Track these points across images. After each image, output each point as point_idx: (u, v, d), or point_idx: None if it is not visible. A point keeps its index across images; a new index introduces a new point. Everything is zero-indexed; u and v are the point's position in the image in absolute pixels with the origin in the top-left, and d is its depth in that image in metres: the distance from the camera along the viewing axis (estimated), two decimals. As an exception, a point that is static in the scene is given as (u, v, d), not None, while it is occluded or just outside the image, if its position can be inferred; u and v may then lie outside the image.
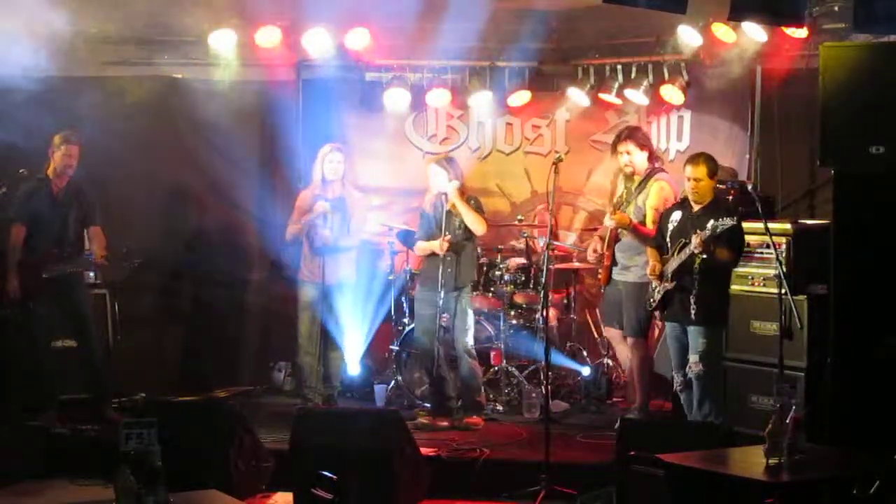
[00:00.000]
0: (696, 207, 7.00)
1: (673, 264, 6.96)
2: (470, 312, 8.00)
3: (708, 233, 6.68)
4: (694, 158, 7.10)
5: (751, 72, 8.83)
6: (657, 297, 7.09)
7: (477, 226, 7.78)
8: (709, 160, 7.03)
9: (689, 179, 7.00)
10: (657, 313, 7.43)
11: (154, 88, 8.84)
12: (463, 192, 7.88)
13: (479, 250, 8.58)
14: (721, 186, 7.33)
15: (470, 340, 7.96)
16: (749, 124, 8.97)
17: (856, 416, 6.32)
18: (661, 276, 7.06)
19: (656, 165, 7.73)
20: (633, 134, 7.76)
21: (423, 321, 7.96)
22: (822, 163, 6.75)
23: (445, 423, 7.83)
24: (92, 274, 8.25)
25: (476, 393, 7.96)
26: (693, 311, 6.87)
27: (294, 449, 6.40)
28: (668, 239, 7.10)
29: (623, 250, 7.68)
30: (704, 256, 6.76)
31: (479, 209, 7.88)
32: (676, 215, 7.11)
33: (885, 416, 6.23)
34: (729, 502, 4.84)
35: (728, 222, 6.62)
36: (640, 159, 7.66)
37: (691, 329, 6.92)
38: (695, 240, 6.74)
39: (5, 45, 8.13)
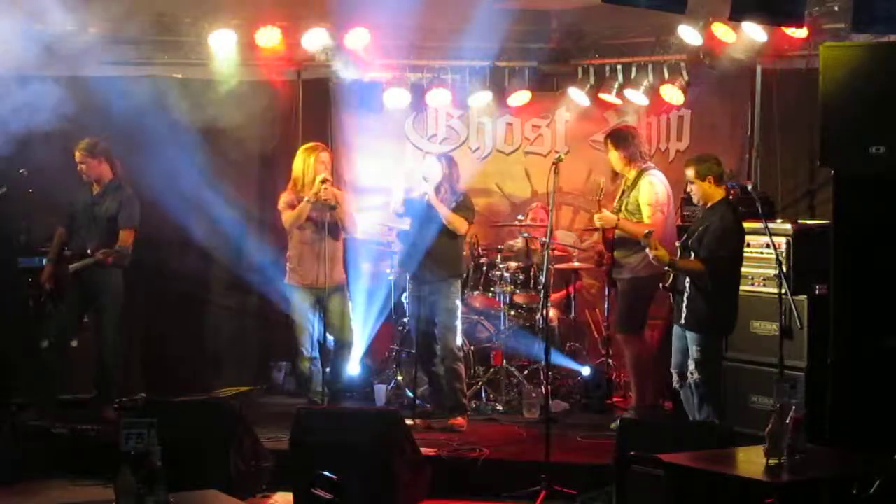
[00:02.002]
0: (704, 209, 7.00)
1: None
2: (457, 311, 7.99)
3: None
4: (687, 161, 7.16)
5: (751, 72, 8.84)
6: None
7: (455, 225, 7.82)
8: (699, 162, 6.98)
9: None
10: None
11: (154, 88, 8.84)
12: (454, 190, 7.95)
13: (478, 246, 8.65)
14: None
15: (457, 341, 7.94)
16: (749, 124, 8.97)
17: (856, 416, 6.32)
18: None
19: (643, 165, 7.74)
20: (612, 133, 7.95)
21: (412, 317, 8.04)
22: (822, 163, 6.76)
23: (423, 423, 7.81)
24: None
25: (458, 395, 7.89)
26: (684, 315, 6.85)
27: (294, 449, 6.40)
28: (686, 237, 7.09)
29: (618, 249, 7.69)
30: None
31: (465, 207, 7.90)
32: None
33: (885, 416, 6.23)
34: (729, 502, 4.83)
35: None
36: (613, 157, 7.77)
37: (687, 334, 6.90)
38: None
39: (5, 45, 8.15)
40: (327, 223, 7.80)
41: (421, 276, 7.90)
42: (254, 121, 9.22)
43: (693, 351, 6.81)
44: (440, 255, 7.86)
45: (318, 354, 7.97)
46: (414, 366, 8.10)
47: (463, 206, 7.92)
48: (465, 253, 8.40)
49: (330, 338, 8.06)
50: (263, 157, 9.62)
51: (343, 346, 8.07)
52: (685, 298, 6.82)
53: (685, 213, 7.98)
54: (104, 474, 5.70)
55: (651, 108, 9.19)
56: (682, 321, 6.85)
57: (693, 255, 6.77)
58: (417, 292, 7.95)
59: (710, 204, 6.91)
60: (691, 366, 6.82)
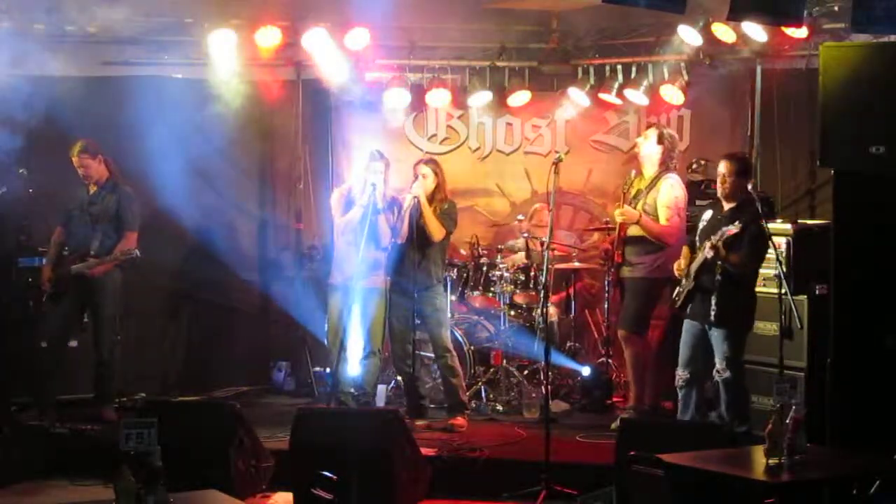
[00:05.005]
0: (725, 208, 6.95)
1: (694, 264, 6.92)
2: (446, 308, 8.03)
3: (716, 238, 6.69)
4: (727, 155, 7.12)
5: (751, 72, 8.85)
6: (681, 296, 7.04)
7: (433, 230, 7.79)
8: (741, 160, 7.03)
9: (718, 175, 6.98)
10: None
11: (154, 88, 8.84)
12: (444, 197, 7.92)
13: (478, 246, 8.69)
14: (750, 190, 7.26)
15: (447, 337, 7.95)
16: (749, 124, 8.97)
17: (856, 416, 6.31)
18: (687, 275, 7.03)
19: (669, 167, 7.70)
20: (659, 128, 7.85)
21: (392, 321, 7.97)
22: (822, 163, 6.74)
23: (423, 423, 7.82)
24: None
25: (457, 393, 7.90)
26: (713, 313, 6.80)
27: (294, 449, 6.40)
28: (697, 237, 7.05)
29: (632, 247, 7.67)
30: (718, 261, 6.75)
31: (448, 217, 7.89)
32: (707, 214, 7.08)
33: (885, 416, 6.22)
34: (729, 502, 4.84)
35: (732, 229, 6.62)
36: (652, 151, 7.66)
37: (714, 332, 6.85)
38: (706, 244, 6.75)
39: (5, 44, 8.16)
40: (367, 228, 7.66)
41: (402, 282, 7.89)
42: (254, 121, 9.23)
43: (725, 348, 6.78)
44: (421, 262, 7.82)
45: (347, 356, 7.85)
46: (413, 366, 8.07)
47: (446, 215, 7.90)
48: (447, 257, 8.31)
49: (361, 340, 7.94)
50: (263, 157, 9.63)
51: (373, 353, 7.97)
52: (714, 297, 6.80)
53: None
54: (104, 474, 5.70)
55: (651, 108, 9.18)
56: (713, 318, 6.82)
57: (728, 252, 6.73)
58: (399, 298, 7.92)
59: (734, 203, 6.88)
60: (721, 364, 6.78)
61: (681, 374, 7.05)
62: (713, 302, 6.81)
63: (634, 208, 7.62)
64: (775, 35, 7.98)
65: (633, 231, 7.62)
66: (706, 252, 6.77)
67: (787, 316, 6.92)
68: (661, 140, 7.66)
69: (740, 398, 6.85)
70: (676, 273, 7.07)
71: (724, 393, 6.84)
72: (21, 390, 8.05)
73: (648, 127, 8.07)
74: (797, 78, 8.47)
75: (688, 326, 7.06)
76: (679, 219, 7.57)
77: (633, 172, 7.88)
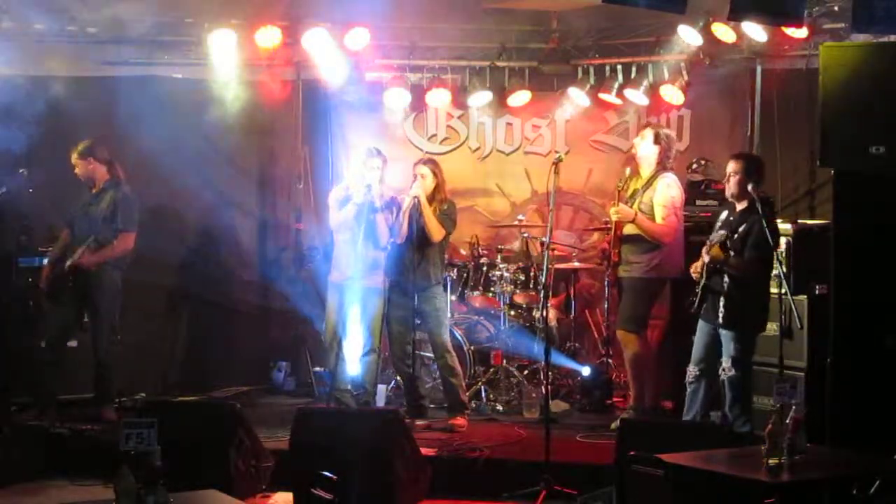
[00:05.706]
0: (737, 208, 6.92)
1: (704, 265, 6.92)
2: (445, 309, 8.02)
3: (710, 243, 6.69)
4: (736, 154, 7.15)
5: (751, 72, 8.85)
6: (697, 296, 7.00)
7: (432, 231, 7.77)
8: (748, 158, 7.02)
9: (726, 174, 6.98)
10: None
11: (154, 88, 8.84)
12: (444, 198, 7.91)
13: (478, 246, 8.71)
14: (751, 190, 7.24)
15: (447, 337, 7.94)
16: (749, 124, 8.98)
17: (856, 416, 6.32)
18: (701, 275, 7.01)
19: (666, 167, 7.68)
20: (656, 128, 7.84)
21: (392, 321, 7.96)
22: (822, 163, 6.75)
23: (423, 423, 7.82)
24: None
25: (457, 393, 7.89)
26: (721, 315, 6.79)
27: (294, 449, 6.40)
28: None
29: (628, 245, 7.65)
30: (718, 265, 6.75)
31: (448, 217, 7.88)
32: (723, 215, 7.06)
33: (885, 416, 6.23)
34: (729, 502, 4.84)
35: (720, 235, 6.64)
36: (649, 151, 7.63)
37: (722, 333, 6.85)
38: (704, 249, 6.75)
39: (5, 44, 8.16)
40: (364, 226, 7.63)
41: (401, 282, 7.89)
42: (254, 121, 9.23)
43: (732, 349, 6.77)
44: (420, 262, 7.80)
45: (345, 356, 7.83)
46: (412, 366, 8.07)
47: (446, 215, 7.88)
48: (446, 257, 8.30)
49: (360, 338, 7.92)
50: (263, 157, 9.63)
51: (373, 350, 7.95)
52: (722, 298, 6.78)
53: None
54: (104, 474, 5.70)
55: (651, 108, 9.17)
56: (720, 320, 6.81)
57: (733, 253, 6.73)
58: (398, 298, 7.92)
59: (744, 205, 6.84)
60: (727, 363, 6.77)
61: (691, 370, 7.05)
62: (721, 304, 6.81)
63: (630, 207, 7.62)
64: (775, 35, 7.99)
65: (629, 230, 7.59)
66: (704, 257, 6.77)
67: (787, 316, 6.92)
68: (657, 140, 7.66)
69: (744, 398, 6.85)
70: (692, 274, 7.05)
71: (728, 391, 6.84)
72: (21, 390, 8.04)
73: (645, 127, 8.06)
74: (797, 78, 8.47)
75: (701, 325, 7.05)
76: (676, 218, 7.55)
77: (628, 170, 7.83)
